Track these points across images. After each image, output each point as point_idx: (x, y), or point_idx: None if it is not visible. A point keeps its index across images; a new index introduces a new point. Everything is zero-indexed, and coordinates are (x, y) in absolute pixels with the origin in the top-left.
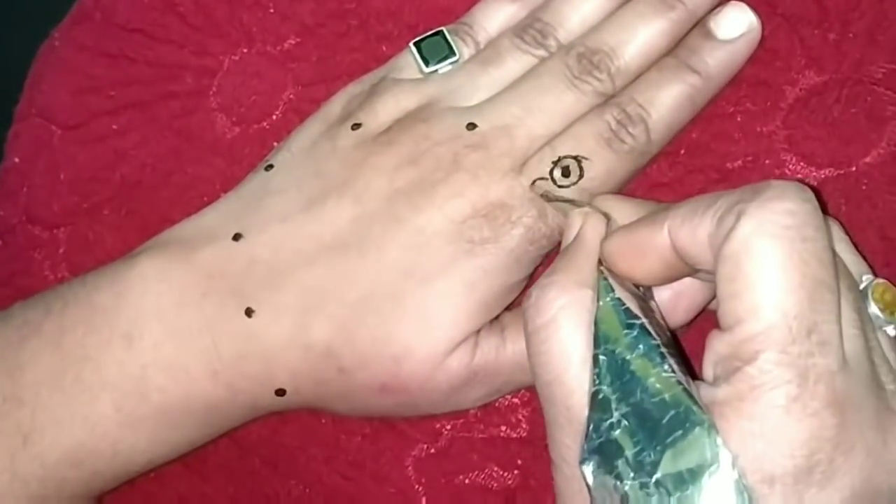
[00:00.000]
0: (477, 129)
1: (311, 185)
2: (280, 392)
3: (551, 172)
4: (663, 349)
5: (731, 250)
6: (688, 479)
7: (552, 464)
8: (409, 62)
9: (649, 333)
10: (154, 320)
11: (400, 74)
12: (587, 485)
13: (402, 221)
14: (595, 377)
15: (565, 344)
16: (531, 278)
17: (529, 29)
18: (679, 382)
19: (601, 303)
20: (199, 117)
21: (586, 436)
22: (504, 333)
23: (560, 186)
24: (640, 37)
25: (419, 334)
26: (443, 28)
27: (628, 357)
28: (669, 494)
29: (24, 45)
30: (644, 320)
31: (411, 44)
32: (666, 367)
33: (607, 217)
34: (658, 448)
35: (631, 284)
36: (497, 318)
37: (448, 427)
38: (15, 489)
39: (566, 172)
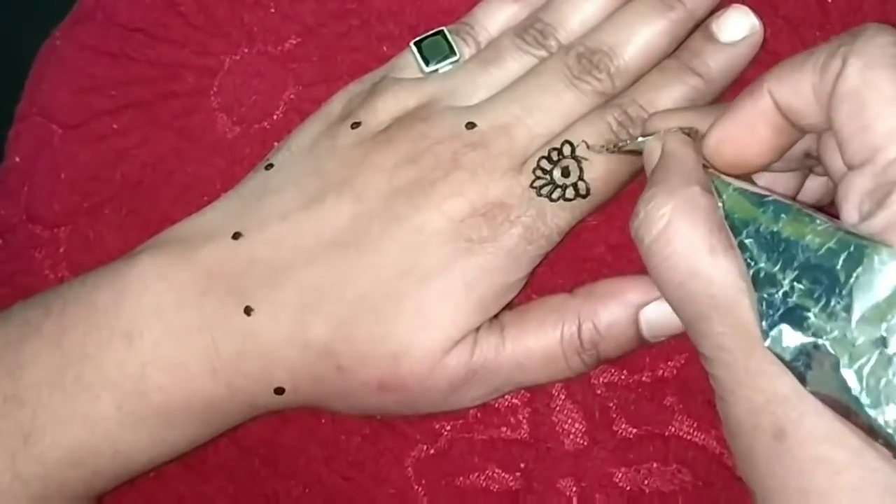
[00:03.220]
0: (476, 128)
1: (310, 184)
2: (279, 390)
3: (550, 172)
4: (806, 209)
5: (848, 88)
6: (886, 307)
7: (704, 360)
8: (409, 62)
9: (785, 201)
10: (154, 319)
11: (400, 74)
12: (782, 359)
13: (400, 220)
14: (748, 261)
15: (690, 239)
16: (529, 278)
17: (530, 29)
18: (838, 228)
19: (724, 196)
20: (199, 117)
21: (761, 316)
22: (503, 332)
23: (558, 186)
24: (640, 37)
25: (417, 332)
26: (443, 28)
27: (776, 228)
28: (877, 329)
29: (26, 45)
30: (774, 195)
31: (412, 43)
32: (818, 221)
33: (687, 132)
34: (844, 293)
35: (743, 181)
36: (496, 317)
37: (448, 428)
38: (16, 489)
39: (566, 172)
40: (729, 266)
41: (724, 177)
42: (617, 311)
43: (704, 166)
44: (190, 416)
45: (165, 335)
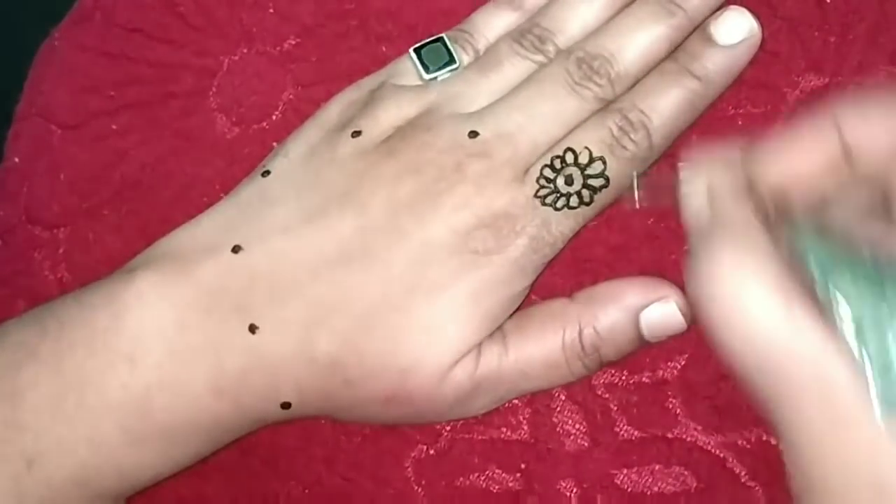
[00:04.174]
0: (479, 137)
1: (311, 196)
2: (286, 405)
3: (554, 181)
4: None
5: None
6: None
7: (783, 436)
8: (407, 68)
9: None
10: (156, 340)
11: (399, 80)
12: None
13: (406, 234)
14: (841, 317)
15: (764, 305)
16: (533, 286)
17: (528, 34)
18: None
19: (807, 246)
20: (198, 117)
21: (877, 393)
22: (505, 340)
23: (562, 195)
24: (641, 42)
25: (426, 347)
26: (443, 35)
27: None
28: None
29: (25, 45)
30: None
31: (411, 50)
32: None
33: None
34: None
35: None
36: (498, 326)
37: (448, 428)
38: None
39: (569, 181)
40: (811, 329)
41: (802, 222)
42: (617, 314)
43: (774, 210)
44: (195, 433)
45: (168, 356)
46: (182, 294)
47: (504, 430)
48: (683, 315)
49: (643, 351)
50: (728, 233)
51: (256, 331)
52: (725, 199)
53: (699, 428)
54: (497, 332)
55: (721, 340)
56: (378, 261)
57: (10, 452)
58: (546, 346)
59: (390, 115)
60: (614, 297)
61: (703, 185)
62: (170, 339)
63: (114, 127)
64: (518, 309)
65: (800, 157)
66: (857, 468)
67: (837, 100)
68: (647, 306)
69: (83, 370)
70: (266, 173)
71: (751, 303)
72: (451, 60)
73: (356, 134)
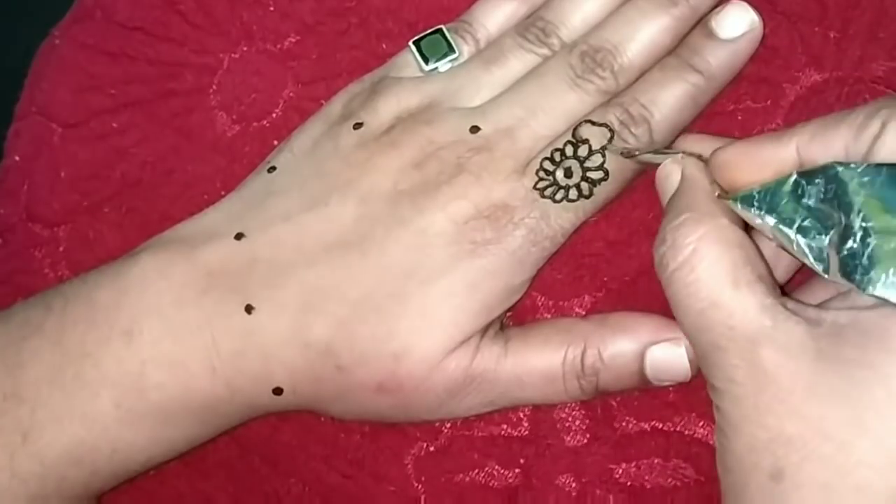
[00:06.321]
0: (480, 132)
1: (313, 185)
2: (277, 391)
3: (553, 173)
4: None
5: (887, 153)
6: None
7: (713, 391)
8: (408, 61)
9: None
10: (154, 317)
11: (400, 73)
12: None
13: (405, 222)
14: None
15: (714, 269)
16: (533, 280)
17: (532, 27)
18: None
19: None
20: (199, 115)
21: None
22: (507, 345)
23: (561, 187)
24: (644, 34)
25: (420, 332)
26: (442, 26)
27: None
28: None
29: (25, 44)
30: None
31: (411, 42)
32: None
33: (701, 158)
34: None
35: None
36: (502, 329)
37: (448, 425)
38: (14, 488)
39: (568, 173)
40: (751, 300)
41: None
42: (625, 343)
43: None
44: (188, 415)
45: (165, 333)
46: (182, 274)
47: (504, 426)
48: (690, 362)
49: None
50: (698, 204)
51: (253, 312)
52: (696, 188)
53: (698, 421)
54: (500, 334)
55: (672, 297)
56: (375, 248)
57: (7, 424)
58: (546, 358)
59: (390, 106)
60: (626, 327)
61: (678, 172)
62: (168, 316)
63: (114, 125)
64: (518, 311)
65: (756, 168)
66: (769, 417)
67: (799, 125)
68: (657, 343)
69: (82, 343)
70: (272, 169)
71: (703, 265)
72: (451, 51)
73: (358, 126)
